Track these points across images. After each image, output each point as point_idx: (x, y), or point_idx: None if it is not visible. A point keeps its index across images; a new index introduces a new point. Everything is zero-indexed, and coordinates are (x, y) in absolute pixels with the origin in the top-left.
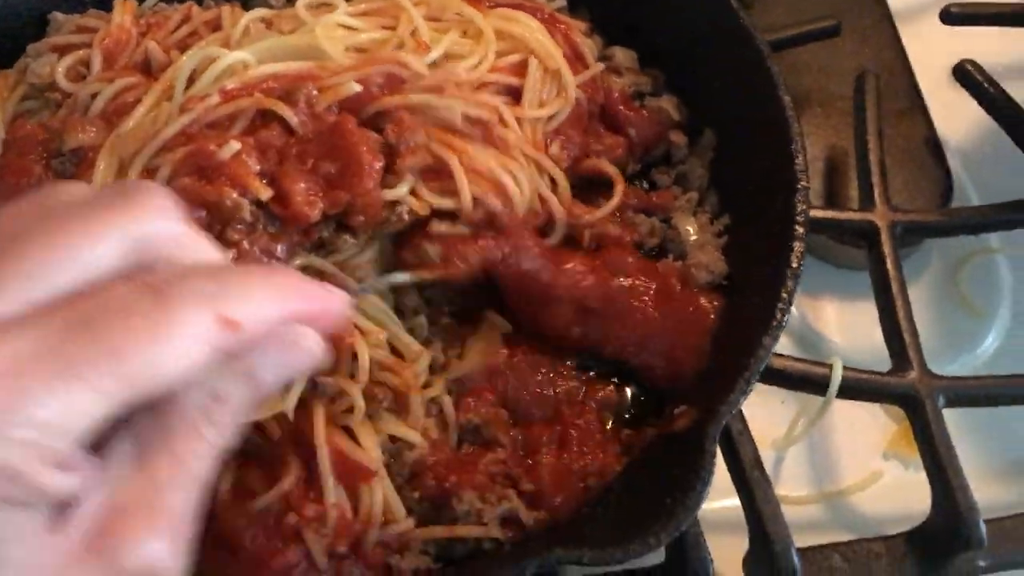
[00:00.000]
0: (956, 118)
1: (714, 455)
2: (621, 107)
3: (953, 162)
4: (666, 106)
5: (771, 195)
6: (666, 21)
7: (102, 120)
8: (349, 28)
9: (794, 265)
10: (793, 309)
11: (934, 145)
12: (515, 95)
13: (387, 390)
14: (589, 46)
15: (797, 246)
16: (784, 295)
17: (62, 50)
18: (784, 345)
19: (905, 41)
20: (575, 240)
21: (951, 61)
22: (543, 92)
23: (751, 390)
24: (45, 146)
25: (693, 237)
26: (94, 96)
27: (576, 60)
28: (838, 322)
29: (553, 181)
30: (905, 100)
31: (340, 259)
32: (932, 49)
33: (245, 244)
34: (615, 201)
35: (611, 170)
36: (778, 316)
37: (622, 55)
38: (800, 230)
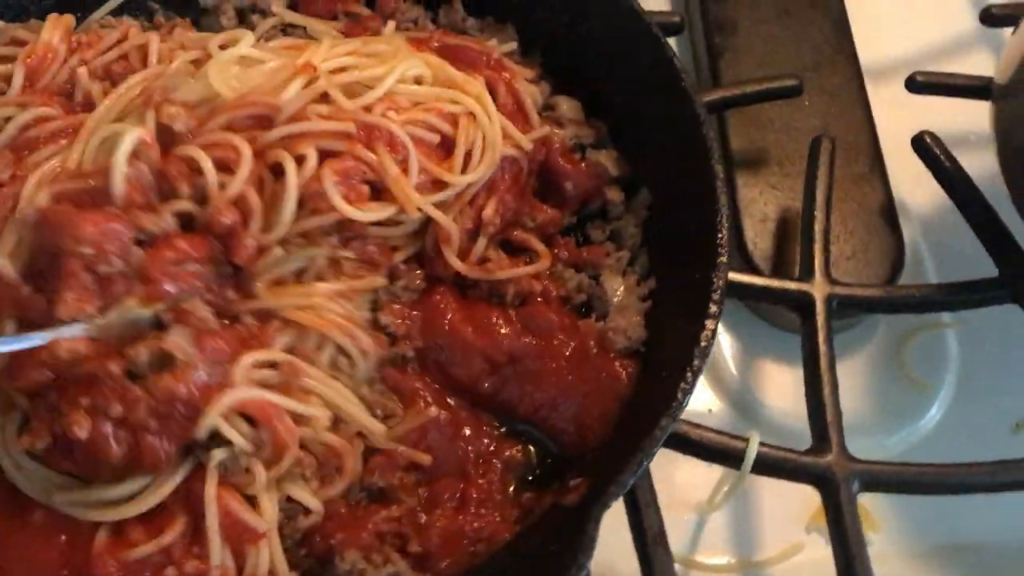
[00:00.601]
0: (920, 185)
1: (594, 539)
2: (560, 159)
3: (912, 230)
4: (605, 160)
5: (693, 265)
6: (613, 73)
7: (11, 152)
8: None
9: (702, 345)
10: (733, 369)
11: (890, 213)
12: (445, 141)
13: (313, 460)
14: (533, 94)
15: (709, 324)
16: (688, 376)
17: None
18: (717, 405)
19: (874, 103)
20: (500, 295)
21: (920, 127)
22: (474, 147)
23: (643, 470)
24: None
25: (617, 298)
26: (7, 120)
27: (517, 112)
28: (776, 385)
29: None
30: (866, 164)
31: None
32: (901, 114)
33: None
34: (536, 267)
35: (539, 247)
36: (679, 397)
37: (567, 105)
38: (714, 308)
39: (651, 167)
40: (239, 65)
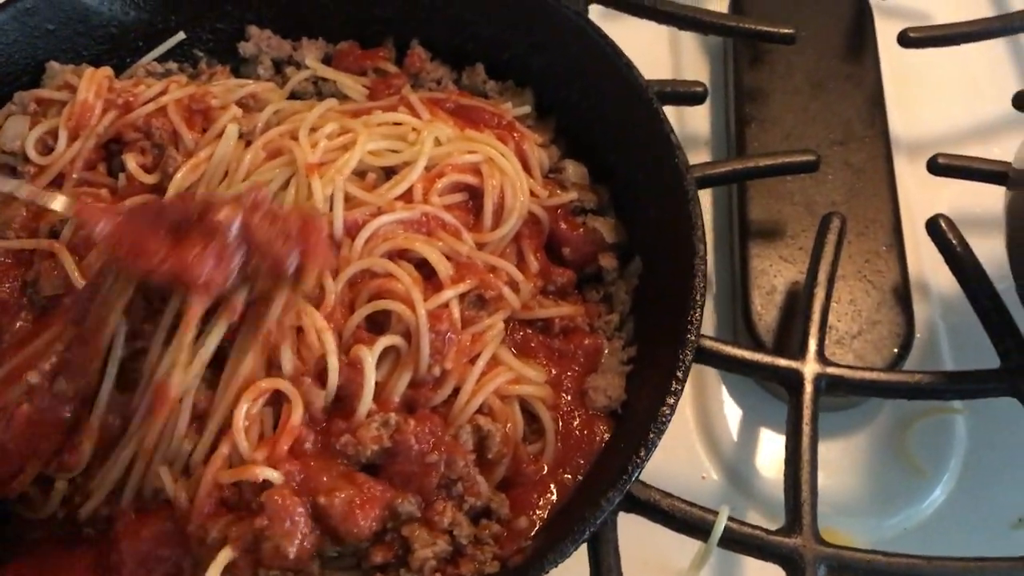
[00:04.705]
0: (944, 266)
1: None
2: (561, 223)
3: (931, 312)
4: (602, 228)
5: (668, 338)
6: (617, 142)
7: (72, 254)
8: None
9: (659, 421)
10: (734, 437)
11: (903, 293)
12: (473, 193)
13: None
14: (540, 157)
15: (668, 401)
16: (642, 452)
17: (45, 104)
18: (711, 472)
19: (902, 181)
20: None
21: (949, 208)
22: (505, 193)
23: (584, 540)
24: (23, 278)
25: (601, 360)
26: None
27: (523, 172)
28: (774, 458)
29: None
30: (884, 242)
31: None
32: (929, 193)
33: None
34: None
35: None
36: (628, 471)
37: (572, 169)
38: (676, 386)
39: (644, 237)
40: None
